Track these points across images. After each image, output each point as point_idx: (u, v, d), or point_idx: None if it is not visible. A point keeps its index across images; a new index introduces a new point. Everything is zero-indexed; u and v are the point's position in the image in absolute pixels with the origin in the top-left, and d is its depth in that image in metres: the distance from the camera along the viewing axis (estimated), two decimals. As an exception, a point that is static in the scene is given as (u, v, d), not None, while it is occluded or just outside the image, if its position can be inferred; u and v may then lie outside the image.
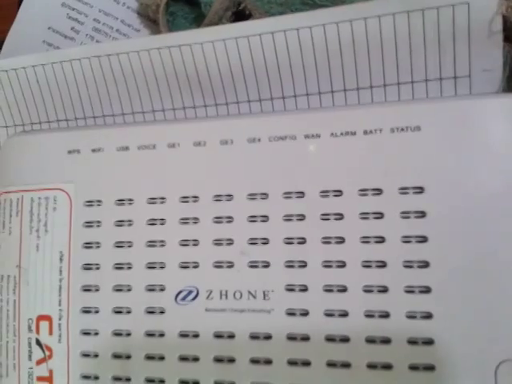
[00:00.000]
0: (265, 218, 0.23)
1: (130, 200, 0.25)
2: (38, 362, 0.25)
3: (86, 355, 0.25)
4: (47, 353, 0.25)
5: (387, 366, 0.21)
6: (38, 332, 0.26)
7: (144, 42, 0.28)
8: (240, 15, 0.28)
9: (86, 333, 0.25)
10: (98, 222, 0.25)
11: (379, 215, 0.22)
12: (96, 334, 0.25)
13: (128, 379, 0.24)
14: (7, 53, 0.33)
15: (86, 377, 0.25)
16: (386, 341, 0.21)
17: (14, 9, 0.34)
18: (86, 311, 0.25)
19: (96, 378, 0.24)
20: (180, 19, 0.31)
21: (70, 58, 0.29)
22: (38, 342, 0.25)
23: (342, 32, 0.24)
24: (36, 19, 0.33)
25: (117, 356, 0.24)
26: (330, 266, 0.22)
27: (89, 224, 0.25)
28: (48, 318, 0.25)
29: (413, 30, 0.24)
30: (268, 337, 0.23)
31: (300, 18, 0.25)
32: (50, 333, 0.25)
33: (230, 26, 0.26)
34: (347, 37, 0.24)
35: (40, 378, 0.25)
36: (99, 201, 0.25)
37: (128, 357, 0.24)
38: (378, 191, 0.22)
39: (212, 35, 0.26)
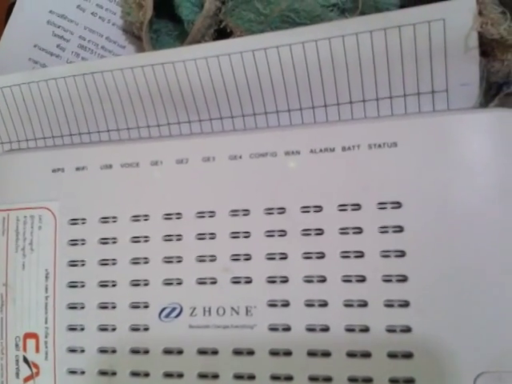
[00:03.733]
0: (247, 234, 0.24)
1: (114, 218, 0.25)
2: (26, 380, 0.26)
3: (72, 372, 0.25)
4: (34, 370, 0.25)
5: (368, 380, 0.21)
6: (25, 350, 0.26)
7: (128, 60, 0.28)
8: (222, 33, 0.28)
9: (72, 350, 0.25)
10: (83, 240, 0.25)
11: (358, 230, 0.22)
12: (82, 351, 0.25)
13: (114, 396, 0.24)
14: (-7, 71, 0.33)
15: (72, 394, 0.25)
16: (367, 355, 0.22)
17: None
18: (72, 329, 0.25)
19: (82, 394, 0.25)
20: (164, 36, 0.31)
21: (55, 76, 0.29)
22: (26, 360, 0.26)
23: (320, 49, 0.25)
24: (22, 37, 0.34)
25: (102, 373, 0.25)
26: (311, 281, 0.23)
27: (73, 242, 0.26)
28: (35, 336, 0.26)
29: (390, 47, 0.24)
30: (251, 352, 0.23)
31: (280, 36, 0.25)
32: (37, 350, 0.26)
33: (211, 45, 0.26)
34: (326, 54, 0.25)
35: (27, 396, 0.25)
36: (83, 219, 0.26)
37: (114, 373, 0.24)
38: (357, 206, 0.22)
39: (194, 53, 0.27)
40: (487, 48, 0.24)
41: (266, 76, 0.26)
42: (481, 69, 0.24)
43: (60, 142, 0.31)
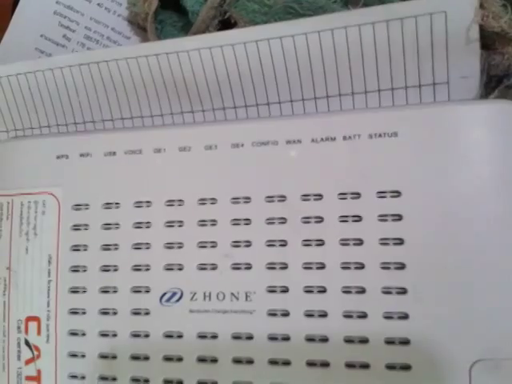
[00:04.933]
0: (248, 221, 0.24)
1: (117, 204, 0.26)
2: (27, 362, 0.26)
3: (73, 355, 0.25)
4: (36, 353, 0.26)
5: (365, 366, 0.22)
6: (26, 332, 0.26)
7: (132, 50, 0.28)
8: (226, 23, 0.29)
9: (74, 333, 0.25)
10: (86, 225, 0.26)
11: (358, 218, 0.23)
12: (83, 334, 0.25)
13: (114, 379, 0.25)
14: (0, 60, 0.34)
15: (73, 376, 0.25)
16: (364, 341, 0.22)
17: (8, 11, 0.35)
18: (74, 312, 0.26)
19: (83, 377, 0.25)
20: (168, 27, 0.31)
21: (60, 65, 0.30)
22: (27, 343, 0.26)
23: (323, 40, 0.25)
24: (28, 27, 0.34)
25: (103, 356, 0.25)
26: (310, 268, 0.23)
27: (77, 227, 0.26)
28: (36, 319, 0.26)
29: (392, 39, 0.24)
30: (250, 337, 0.23)
31: (283, 27, 0.25)
32: (39, 333, 0.26)
33: (215, 35, 0.27)
34: (328, 45, 0.25)
35: (29, 378, 0.26)
36: (87, 204, 0.26)
37: (114, 357, 0.25)
38: (357, 195, 0.23)
39: (198, 43, 0.27)
40: (488, 41, 0.24)
41: (269, 66, 0.26)
42: (481, 61, 0.24)
43: (65, 130, 0.31)
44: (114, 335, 0.25)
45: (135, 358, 0.24)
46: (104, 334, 0.25)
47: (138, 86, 0.29)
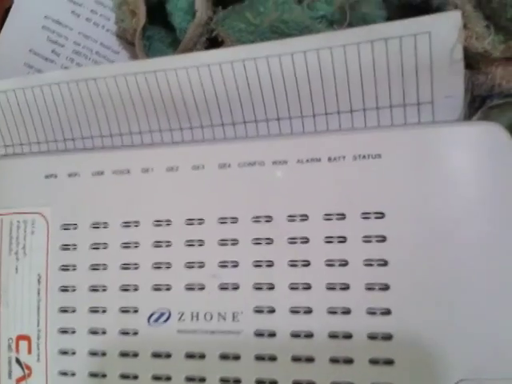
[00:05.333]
0: (235, 242, 0.24)
1: (105, 224, 0.26)
2: (18, 380, 0.26)
3: (63, 373, 0.26)
4: (27, 371, 0.26)
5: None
6: (17, 351, 0.26)
7: (120, 68, 0.28)
8: (214, 41, 0.29)
9: (64, 352, 0.26)
10: (74, 245, 0.26)
11: (343, 239, 0.23)
12: (73, 353, 0.26)
13: (104, 398, 0.25)
14: (-11, 75, 0.34)
15: (64, 395, 0.25)
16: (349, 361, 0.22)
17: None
18: (64, 331, 0.26)
19: (73, 396, 0.25)
20: (157, 42, 0.31)
21: (49, 82, 0.30)
22: (18, 361, 0.26)
23: (309, 60, 0.25)
24: (17, 41, 0.34)
25: (93, 375, 0.25)
26: (296, 289, 0.23)
27: (65, 247, 0.26)
28: (27, 338, 0.26)
29: (376, 59, 0.24)
30: (237, 357, 0.23)
31: (269, 47, 0.26)
32: (29, 352, 0.26)
33: (202, 54, 0.27)
34: (314, 65, 0.25)
35: (20, 396, 0.26)
36: (75, 224, 0.26)
37: (104, 375, 0.25)
38: (342, 216, 0.23)
39: (185, 62, 0.27)
40: (472, 61, 0.24)
41: (255, 85, 0.27)
42: (465, 81, 0.24)
43: (54, 146, 0.31)
44: (104, 354, 0.25)
45: (124, 377, 0.25)
46: (93, 353, 0.25)
47: (127, 103, 0.29)
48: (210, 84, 0.27)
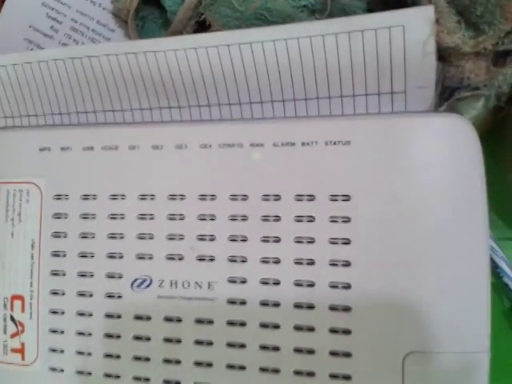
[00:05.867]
0: (213, 217, 0.26)
1: (94, 196, 0.28)
2: (12, 336, 0.29)
3: (53, 331, 0.28)
4: (20, 328, 0.28)
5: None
6: (12, 309, 0.29)
7: (113, 48, 0.30)
8: (203, 24, 0.30)
9: (54, 312, 0.28)
10: (66, 214, 0.28)
11: (311, 219, 0.25)
12: (62, 313, 0.28)
13: (89, 354, 0.27)
14: (-10, 49, 0.35)
15: (53, 350, 0.28)
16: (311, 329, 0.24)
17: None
18: (54, 293, 0.28)
19: (62, 351, 0.28)
20: (150, 23, 0.33)
21: (46, 58, 0.31)
22: (12, 318, 0.29)
23: (289, 47, 0.27)
24: (18, 17, 0.35)
25: (80, 333, 0.27)
26: (266, 262, 0.25)
27: (57, 215, 0.28)
28: (21, 298, 0.28)
29: (353, 49, 0.26)
30: (211, 321, 0.26)
31: (252, 34, 0.27)
32: (23, 310, 0.28)
33: (189, 37, 0.28)
34: (295, 52, 0.27)
35: (14, 350, 0.28)
36: (66, 195, 0.28)
37: (90, 334, 0.27)
38: (312, 197, 0.25)
39: (174, 44, 0.28)
40: (444, 53, 0.26)
41: (240, 69, 0.28)
42: (437, 73, 0.25)
43: (50, 119, 0.33)
44: (90, 315, 0.27)
45: (108, 336, 0.27)
46: (81, 314, 0.27)
47: (119, 81, 0.31)
48: (197, 66, 0.29)
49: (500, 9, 0.23)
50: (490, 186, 0.24)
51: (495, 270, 0.27)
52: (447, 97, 0.25)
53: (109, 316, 0.27)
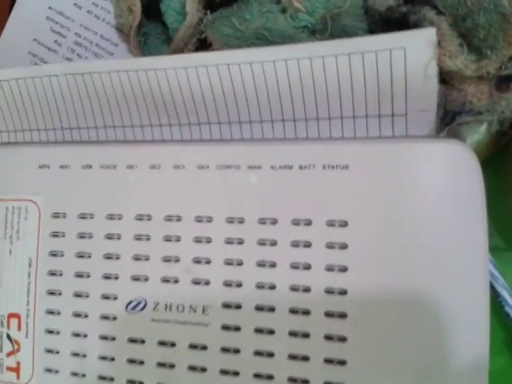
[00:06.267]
0: (209, 240, 0.26)
1: (91, 215, 0.27)
2: (8, 354, 0.28)
3: (48, 351, 0.28)
4: (16, 346, 0.28)
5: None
6: (8, 327, 0.28)
7: (114, 65, 0.30)
8: (205, 41, 0.30)
9: (50, 331, 0.28)
10: (63, 232, 0.28)
11: (308, 244, 0.24)
12: (58, 333, 0.28)
13: (83, 375, 0.27)
14: (-5, 62, 0.36)
15: (48, 370, 0.28)
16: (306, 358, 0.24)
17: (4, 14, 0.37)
18: (50, 312, 0.28)
19: (56, 371, 0.27)
20: (152, 39, 0.32)
21: (48, 73, 0.31)
22: (9, 337, 0.29)
23: (289, 68, 0.26)
24: (22, 31, 0.35)
25: (75, 354, 0.27)
26: (262, 287, 0.25)
27: (55, 234, 0.28)
28: (17, 316, 0.28)
29: (354, 70, 0.25)
30: (204, 347, 0.25)
31: (252, 54, 0.26)
32: (19, 329, 0.28)
33: (190, 56, 0.28)
34: (295, 73, 0.26)
35: (9, 368, 0.28)
36: (64, 213, 0.28)
37: (84, 355, 0.27)
38: (309, 222, 0.24)
39: (174, 63, 0.28)
40: (446, 76, 0.25)
41: (240, 88, 0.28)
42: (439, 96, 0.25)
43: (52, 134, 0.33)
44: (85, 336, 0.27)
45: (103, 358, 0.27)
46: (76, 335, 0.27)
47: (120, 97, 0.30)
48: (197, 84, 0.28)
49: (503, 33, 0.22)
50: (493, 210, 0.24)
51: (497, 299, 0.27)
52: (449, 121, 0.25)
53: (103, 338, 0.27)
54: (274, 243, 0.25)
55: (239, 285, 0.25)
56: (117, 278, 0.27)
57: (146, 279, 0.26)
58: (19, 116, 0.33)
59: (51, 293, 0.28)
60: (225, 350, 0.25)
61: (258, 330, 0.24)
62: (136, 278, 0.26)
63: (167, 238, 0.26)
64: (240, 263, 0.25)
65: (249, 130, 0.29)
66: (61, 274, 0.28)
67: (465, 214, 0.23)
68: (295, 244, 0.24)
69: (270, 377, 0.24)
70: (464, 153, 0.23)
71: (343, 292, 0.24)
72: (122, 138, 0.31)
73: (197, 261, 0.26)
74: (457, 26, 0.24)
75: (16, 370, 0.28)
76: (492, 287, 0.27)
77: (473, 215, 0.23)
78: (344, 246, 0.24)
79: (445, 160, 0.23)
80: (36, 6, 0.35)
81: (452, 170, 0.23)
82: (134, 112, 0.31)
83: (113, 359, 0.26)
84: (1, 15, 0.36)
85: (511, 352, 0.27)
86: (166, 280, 0.26)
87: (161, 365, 0.26)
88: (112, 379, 0.26)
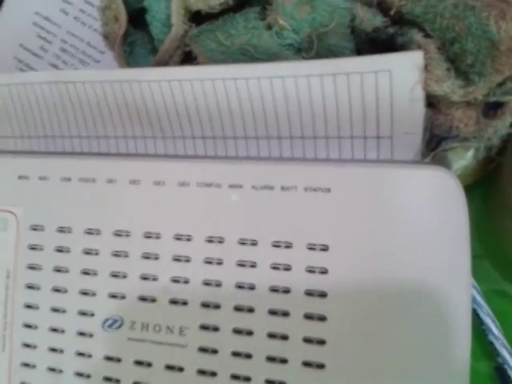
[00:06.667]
0: (188, 259, 0.25)
1: (69, 228, 0.27)
2: (-15, 367, 0.28)
3: (25, 365, 0.27)
4: (-7, 359, 0.28)
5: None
6: (-15, 340, 0.28)
7: (98, 75, 0.29)
8: (190, 54, 0.29)
9: (26, 345, 0.27)
10: (41, 246, 0.27)
11: (288, 267, 0.24)
12: (34, 347, 0.27)
13: (59, 392, 0.27)
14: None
15: (24, 384, 0.27)
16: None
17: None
18: (27, 326, 0.27)
19: (32, 386, 0.27)
20: (139, 48, 0.32)
21: (31, 81, 0.31)
22: (-15, 349, 0.28)
23: (274, 86, 0.26)
24: (8, 36, 0.35)
25: (51, 369, 0.27)
26: (241, 310, 0.24)
27: (33, 247, 0.28)
28: (-6, 329, 0.28)
29: (338, 91, 0.25)
30: (181, 369, 0.25)
31: (236, 70, 0.26)
32: (-4, 342, 0.28)
33: (173, 69, 0.27)
34: (279, 90, 0.26)
35: (-15, 382, 0.28)
36: (43, 226, 0.27)
37: (60, 371, 0.27)
38: (289, 244, 0.24)
39: (158, 76, 0.28)
40: (433, 100, 0.25)
41: (224, 104, 0.27)
42: (425, 120, 0.24)
43: (35, 142, 0.32)
44: (61, 351, 0.27)
45: (79, 374, 0.26)
46: (53, 350, 0.27)
47: (103, 108, 0.30)
48: (181, 98, 0.28)
49: (491, 60, 0.22)
50: (480, 235, 0.23)
51: (480, 326, 0.26)
52: (435, 145, 0.24)
53: (80, 354, 0.26)
54: (253, 265, 0.24)
55: (217, 306, 0.25)
56: (94, 294, 0.26)
57: (123, 297, 0.26)
58: (1, 122, 0.33)
59: (28, 306, 0.27)
60: (201, 372, 0.25)
61: (235, 354, 0.24)
62: (113, 296, 0.26)
63: (145, 256, 0.26)
64: (218, 284, 0.25)
65: (233, 146, 0.29)
66: (38, 288, 0.27)
67: (448, 240, 0.23)
68: (275, 267, 0.24)
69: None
70: (448, 180, 0.23)
71: (322, 318, 0.23)
72: (106, 149, 0.31)
73: (175, 280, 0.25)
74: (444, 49, 0.23)
75: (-8, 383, 0.28)
76: (476, 315, 0.26)
77: (456, 242, 0.23)
78: (324, 271, 0.23)
79: (429, 186, 0.23)
80: (22, 12, 0.34)
81: (436, 197, 0.23)
82: (118, 123, 0.30)
83: (89, 376, 0.26)
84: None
85: (495, 382, 0.27)
86: (143, 298, 0.26)
87: (137, 384, 0.25)
88: (88, 397, 0.26)
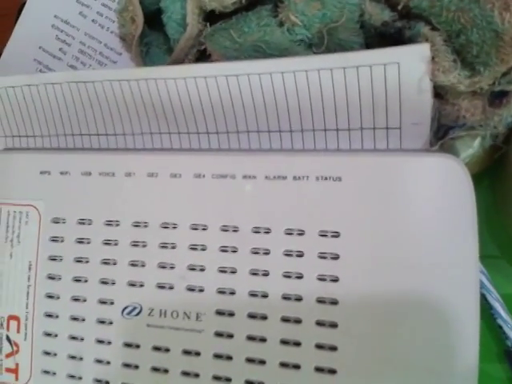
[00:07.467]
0: (203, 247, 0.26)
1: (90, 221, 0.28)
2: (7, 356, 0.29)
3: (46, 353, 0.28)
4: (15, 348, 0.29)
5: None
6: (8, 329, 0.29)
7: (116, 74, 0.30)
8: (204, 52, 0.30)
9: (48, 334, 0.28)
10: (62, 237, 0.28)
11: (300, 253, 0.25)
12: (55, 336, 0.28)
13: (80, 378, 0.28)
14: (2, 68, 0.36)
15: (45, 372, 0.28)
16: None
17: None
18: (48, 315, 0.28)
19: (54, 373, 0.28)
20: (155, 49, 0.33)
21: (52, 81, 0.32)
22: (8, 338, 0.29)
23: (286, 80, 0.27)
24: (28, 38, 0.36)
25: (72, 357, 0.28)
26: (255, 296, 0.25)
27: (54, 239, 0.29)
28: (17, 318, 0.29)
29: (348, 84, 0.26)
30: (198, 353, 0.26)
31: (250, 66, 0.27)
32: (18, 331, 0.29)
33: (189, 67, 0.29)
34: (291, 85, 0.27)
35: (8, 370, 0.29)
36: (64, 219, 0.28)
37: (81, 358, 0.28)
38: (302, 232, 0.25)
39: (174, 73, 0.29)
40: (441, 91, 0.25)
41: (237, 99, 0.28)
42: (433, 110, 0.25)
43: (54, 140, 0.33)
44: (82, 339, 0.28)
45: (99, 361, 0.27)
46: (73, 338, 0.28)
47: (121, 106, 0.31)
48: (196, 95, 0.29)
49: (496, 50, 0.23)
50: (487, 222, 0.24)
51: (489, 311, 0.27)
52: (442, 135, 0.25)
53: (99, 341, 0.27)
54: (267, 252, 0.25)
55: (232, 293, 0.25)
56: (114, 283, 0.27)
57: (142, 285, 0.27)
58: (23, 122, 0.34)
59: (50, 296, 0.28)
60: (217, 356, 0.25)
61: (251, 338, 0.25)
62: (132, 284, 0.27)
63: (163, 245, 0.27)
64: (233, 271, 0.25)
65: (246, 140, 0.29)
66: (59, 278, 0.28)
67: (456, 227, 0.23)
68: (288, 253, 0.25)
69: (261, 383, 0.24)
70: (456, 167, 0.23)
71: (334, 302, 0.24)
72: (123, 145, 0.32)
73: (191, 268, 0.26)
74: (451, 41, 0.24)
75: (15, 371, 0.29)
76: (485, 299, 0.27)
77: (464, 229, 0.23)
78: (336, 257, 0.24)
79: (437, 174, 0.24)
80: (42, 15, 0.36)
81: (444, 184, 0.23)
82: (135, 120, 0.31)
83: (108, 363, 0.27)
84: (8, 23, 0.36)
85: (504, 365, 0.27)
86: (161, 286, 0.26)
87: (155, 369, 0.26)
88: (107, 383, 0.27)
